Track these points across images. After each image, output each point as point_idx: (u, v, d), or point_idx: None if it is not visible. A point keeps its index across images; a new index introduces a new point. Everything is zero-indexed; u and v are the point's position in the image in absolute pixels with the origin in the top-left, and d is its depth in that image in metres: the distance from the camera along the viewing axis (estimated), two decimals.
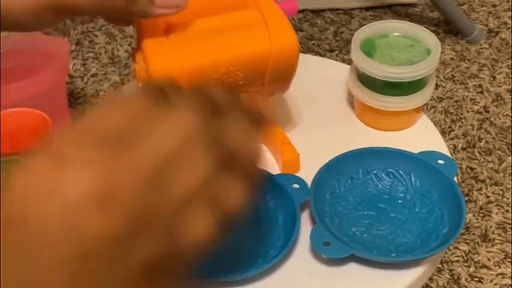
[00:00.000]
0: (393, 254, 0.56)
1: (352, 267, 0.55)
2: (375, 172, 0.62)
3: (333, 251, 0.53)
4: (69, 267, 0.29)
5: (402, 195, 0.61)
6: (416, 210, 0.59)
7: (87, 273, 0.30)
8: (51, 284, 0.29)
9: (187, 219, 0.33)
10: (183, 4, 0.54)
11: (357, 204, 0.60)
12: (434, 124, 0.71)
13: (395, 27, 0.69)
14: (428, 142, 0.65)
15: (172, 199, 0.32)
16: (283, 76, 0.60)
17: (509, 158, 0.99)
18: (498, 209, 0.92)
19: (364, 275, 0.55)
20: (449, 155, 0.64)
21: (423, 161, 0.60)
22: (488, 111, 1.07)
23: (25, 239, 0.29)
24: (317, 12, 1.30)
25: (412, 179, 0.61)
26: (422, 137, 0.67)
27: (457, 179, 0.76)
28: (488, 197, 0.94)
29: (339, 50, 1.20)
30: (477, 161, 0.99)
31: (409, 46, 0.68)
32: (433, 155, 0.61)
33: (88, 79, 1.15)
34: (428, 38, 0.67)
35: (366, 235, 0.57)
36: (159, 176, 0.32)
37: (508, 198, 0.93)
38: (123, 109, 0.34)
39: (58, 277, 0.29)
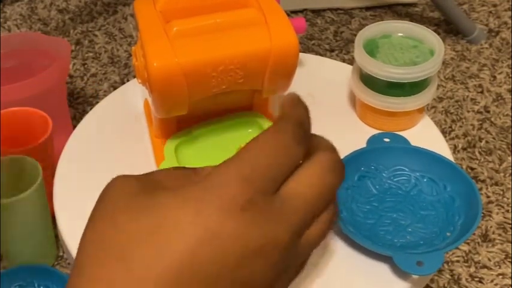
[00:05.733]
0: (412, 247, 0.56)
1: (353, 266, 0.55)
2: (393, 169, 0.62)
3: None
4: None
5: (416, 191, 0.61)
6: (430, 202, 0.60)
7: None
8: None
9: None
10: None
11: (373, 200, 0.60)
12: (435, 124, 0.71)
13: (399, 28, 0.69)
14: (430, 143, 0.65)
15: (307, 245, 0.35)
16: (283, 75, 0.60)
17: (510, 158, 0.99)
18: (498, 209, 0.92)
19: (366, 274, 0.55)
20: (451, 156, 0.64)
21: (439, 158, 0.61)
22: (488, 111, 1.07)
23: None
24: (317, 12, 1.29)
25: (429, 175, 0.62)
26: (424, 137, 0.67)
27: None
28: (488, 197, 0.93)
29: (339, 50, 1.20)
30: (477, 161, 0.99)
31: (412, 47, 0.68)
32: None
33: (88, 79, 1.15)
34: (431, 39, 0.67)
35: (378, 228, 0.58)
36: (305, 226, 0.35)
37: (508, 198, 0.93)
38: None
39: None
